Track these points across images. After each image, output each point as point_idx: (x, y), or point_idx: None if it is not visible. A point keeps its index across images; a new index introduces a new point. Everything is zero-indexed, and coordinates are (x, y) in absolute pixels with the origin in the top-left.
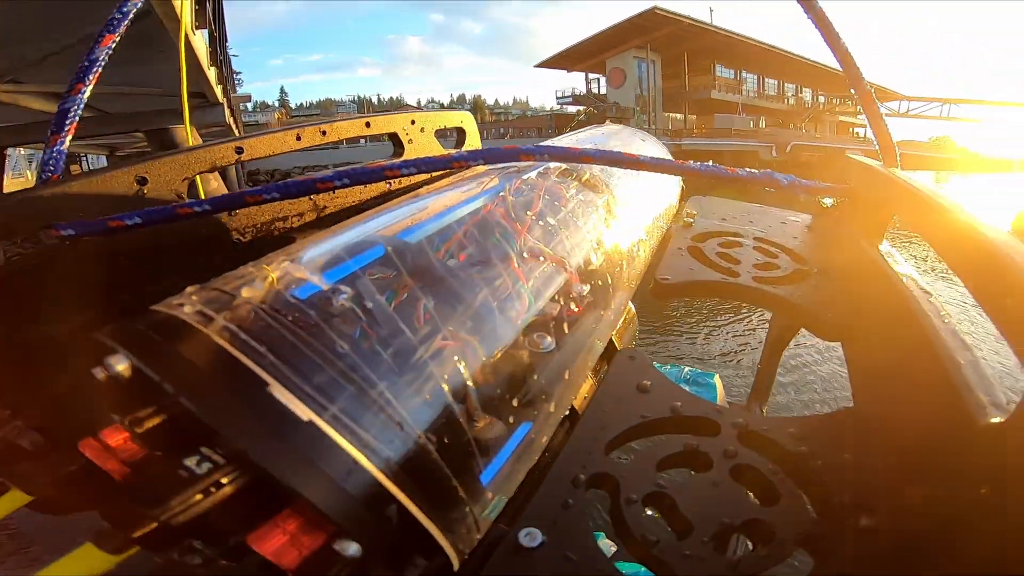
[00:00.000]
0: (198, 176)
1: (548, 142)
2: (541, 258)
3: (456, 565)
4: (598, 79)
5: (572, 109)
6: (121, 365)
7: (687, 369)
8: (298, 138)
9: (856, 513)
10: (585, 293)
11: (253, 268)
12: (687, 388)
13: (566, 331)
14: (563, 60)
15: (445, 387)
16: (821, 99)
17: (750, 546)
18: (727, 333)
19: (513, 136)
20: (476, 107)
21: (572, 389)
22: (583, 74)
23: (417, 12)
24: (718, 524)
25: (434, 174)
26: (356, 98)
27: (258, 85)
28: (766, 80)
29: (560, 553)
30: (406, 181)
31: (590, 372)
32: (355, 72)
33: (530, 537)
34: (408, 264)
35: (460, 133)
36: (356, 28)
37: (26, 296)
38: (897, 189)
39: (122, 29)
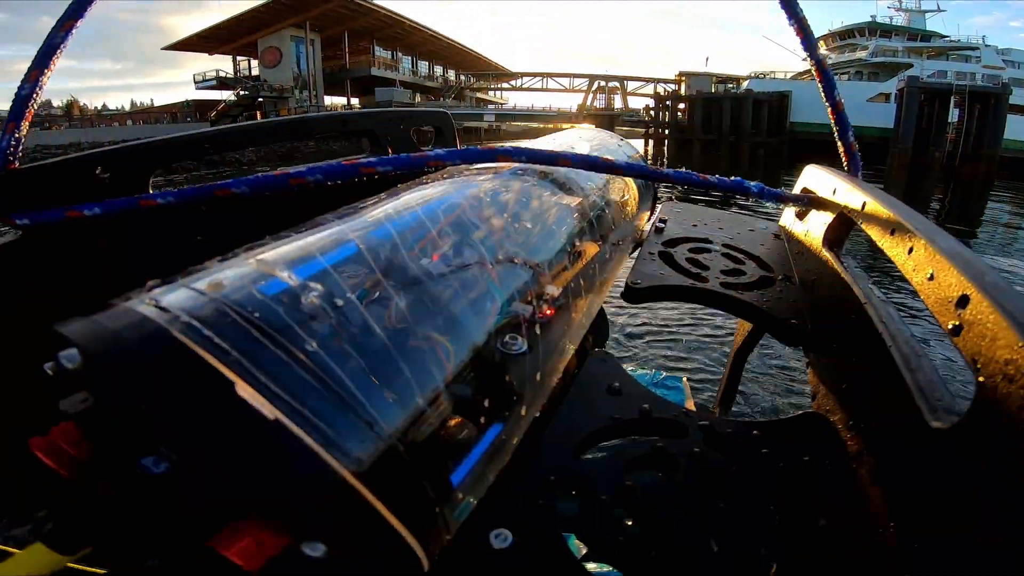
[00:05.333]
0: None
1: (526, 144)
2: (514, 260)
3: (426, 566)
4: (248, 61)
5: (220, 95)
6: (74, 360)
7: (656, 372)
8: (270, 133)
9: (814, 515)
10: (557, 295)
11: (219, 263)
12: (656, 391)
13: (538, 333)
14: (204, 42)
15: (415, 387)
16: (463, 78)
17: (714, 546)
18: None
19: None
20: (70, 112)
21: (543, 391)
22: (230, 57)
23: None
24: (686, 525)
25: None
26: None
27: None
28: (419, 61)
29: (530, 554)
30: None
31: (562, 374)
32: None
33: (501, 538)
34: (380, 262)
35: (437, 132)
36: None
37: None
38: (857, 198)
39: (85, 15)
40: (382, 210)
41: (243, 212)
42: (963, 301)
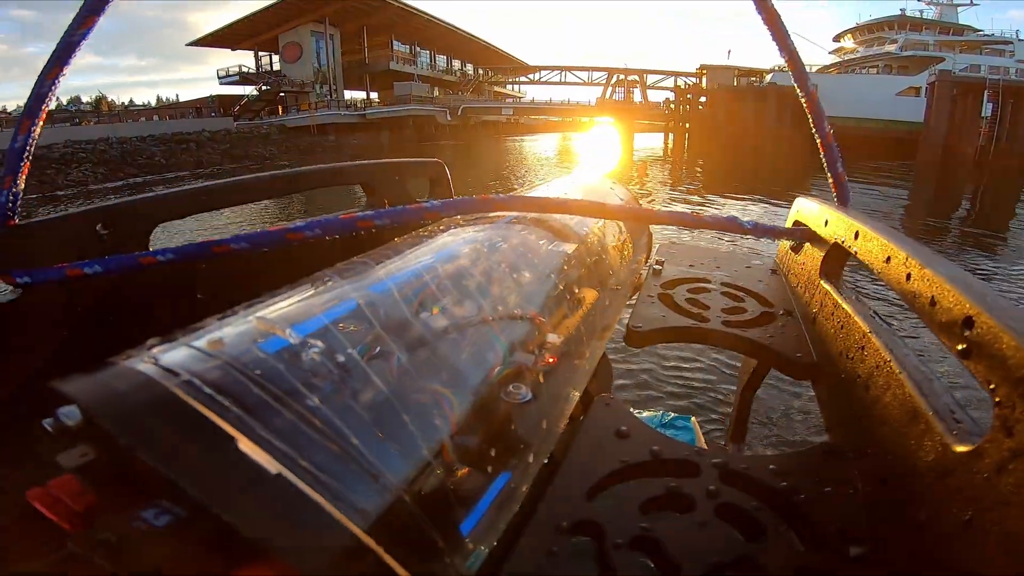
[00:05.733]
0: None
1: (519, 193)
2: (514, 310)
3: None
4: (270, 56)
5: (243, 91)
6: (74, 418)
7: (664, 414)
8: (268, 185)
9: (843, 544)
10: (559, 343)
11: (219, 320)
12: (665, 432)
13: (542, 381)
14: (226, 37)
15: (421, 439)
16: (481, 72)
17: None
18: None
19: (161, 118)
20: (99, 107)
21: (550, 438)
22: (252, 52)
23: None
24: (707, 564)
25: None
26: None
27: None
28: (437, 56)
29: None
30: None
31: (568, 420)
32: None
33: None
34: (381, 317)
35: (432, 183)
36: None
37: None
38: (849, 229)
39: (70, 63)
40: (381, 264)
41: (241, 264)
42: (968, 323)
